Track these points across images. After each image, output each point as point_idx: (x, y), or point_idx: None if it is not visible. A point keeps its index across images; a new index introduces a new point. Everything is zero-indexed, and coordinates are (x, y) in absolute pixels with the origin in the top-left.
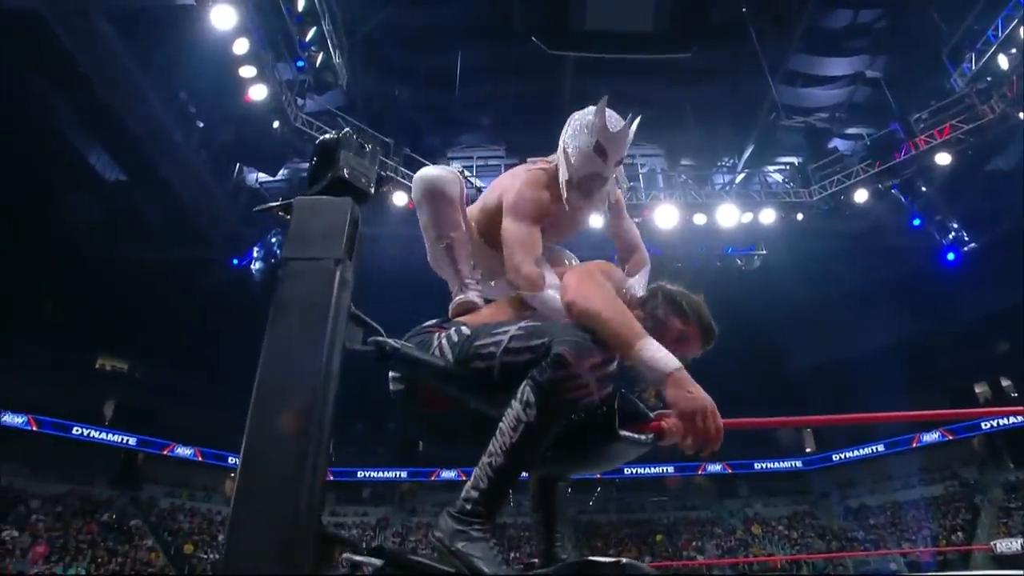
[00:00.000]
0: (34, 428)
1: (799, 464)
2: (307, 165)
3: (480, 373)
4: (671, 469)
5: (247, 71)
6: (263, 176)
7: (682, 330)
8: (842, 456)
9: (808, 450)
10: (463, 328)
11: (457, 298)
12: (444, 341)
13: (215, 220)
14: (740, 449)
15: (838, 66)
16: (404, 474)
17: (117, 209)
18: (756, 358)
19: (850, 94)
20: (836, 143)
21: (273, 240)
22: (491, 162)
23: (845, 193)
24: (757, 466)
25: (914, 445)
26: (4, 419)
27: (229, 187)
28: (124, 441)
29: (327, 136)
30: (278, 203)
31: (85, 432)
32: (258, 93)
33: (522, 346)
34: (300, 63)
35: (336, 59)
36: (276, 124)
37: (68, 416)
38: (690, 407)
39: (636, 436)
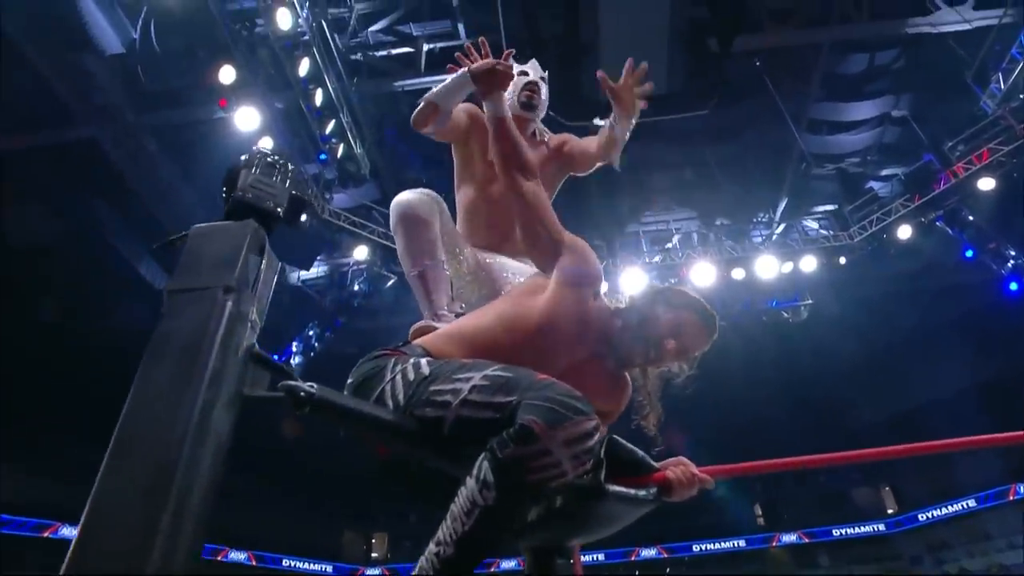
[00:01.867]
0: None
1: (882, 527)
2: (346, 260)
3: (428, 423)
4: (743, 543)
5: None
6: (304, 273)
7: (674, 319)
8: (929, 515)
9: (890, 511)
10: (423, 366)
11: (420, 323)
12: (399, 377)
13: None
14: (815, 515)
15: (862, 109)
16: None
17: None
18: (821, 415)
19: (879, 136)
20: (872, 186)
21: (311, 333)
22: None
23: (887, 231)
24: (835, 532)
25: (1011, 498)
26: (61, 532)
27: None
28: None
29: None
30: (177, 235)
31: None
32: None
33: (484, 400)
34: (322, 156)
35: (357, 149)
36: (304, 218)
37: None
38: None
39: (632, 492)
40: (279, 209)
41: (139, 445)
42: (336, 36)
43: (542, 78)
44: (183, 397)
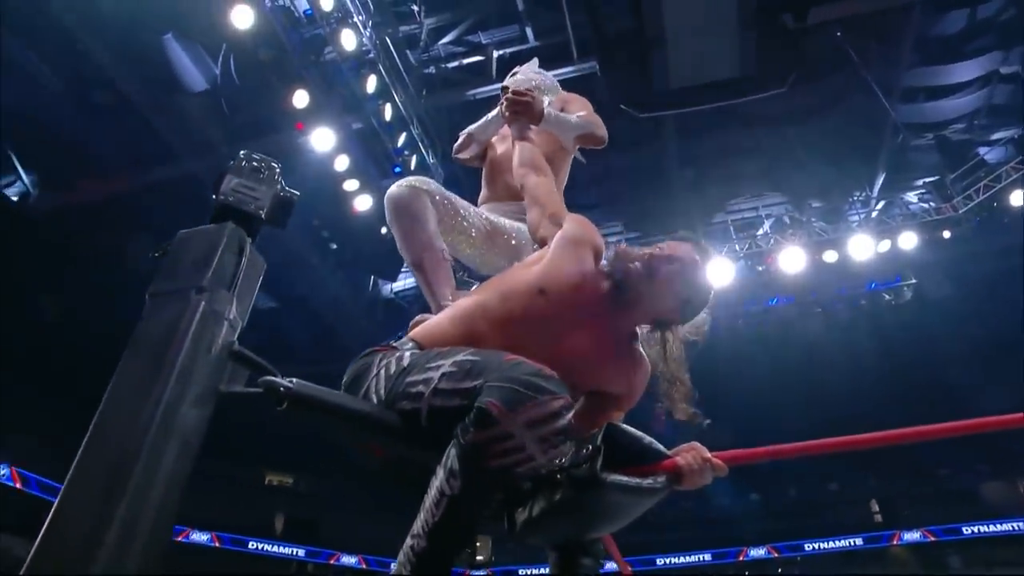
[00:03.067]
0: (217, 544)
1: (1022, 526)
2: None
3: (406, 416)
4: (859, 541)
5: (350, 184)
6: (397, 285)
7: (654, 253)
8: None
9: None
10: (405, 358)
11: (417, 317)
12: (383, 372)
13: (355, 333)
14: (941, 510)
15: (964, 70)
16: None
17: (269, 335)
18: (939, 406)
19: (986, 97)
20: (981, 152)
21: None
22: (611, 239)
23: (997, 199)
24: (966, 530)
25: None
26: (192, 537)
27: (365, 301)
28: (294, 553)
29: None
30: (168, 243)
31: (260, 546)
32: (363, 204)
33: (453, 387)
34: (397, 169)
35: (430, 159)
36: (385, 231)
37: (244, 531)
38: None
39: (635, 481)
40: (261, 212)
41: (106, 441)
42: (408, 52)
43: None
44: (149, 394)
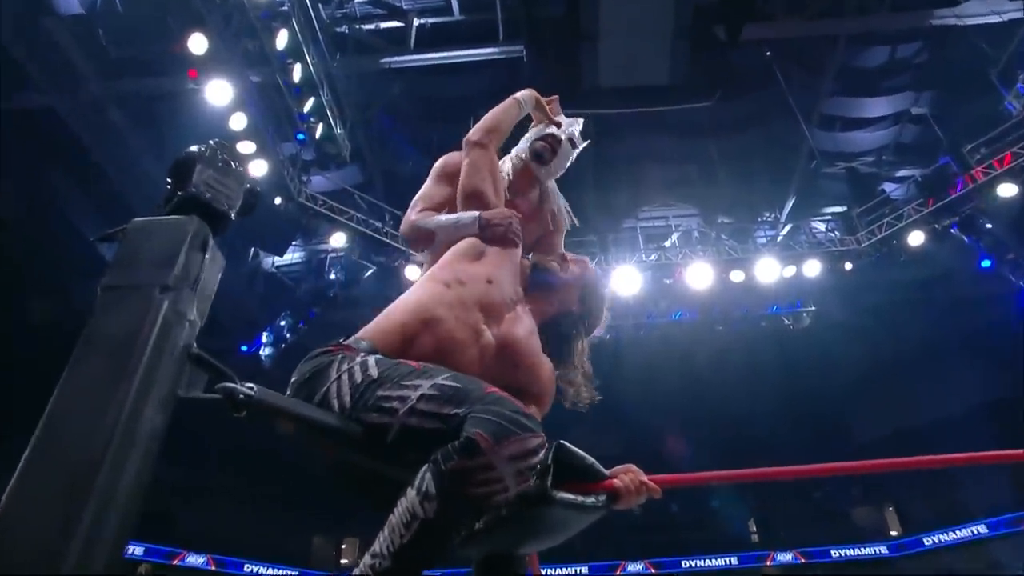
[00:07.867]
0: None
1: (884, 550)
2: (324, 246)
3: (372, 428)
4: (735, 560)
5: (246, 147)
6: (279, 259)
7: (566, 256)
8: (935, 539)
9: (893, 533)
10: (370, 367)
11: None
12: (345, 377)
13: (231, 307)
14: (812, 534)
15: (879, 106)
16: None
17: None
18: (822, 428)
19: (896, 134)
20: (885, 188)
21: (282, 323)
22: None
23: (897, 237)
24: (834, 553)
25: None
26: None
27: (245, 273)
28: (131, 552)
29: (187, 151)
30: (117, 229)
31: None
32: (258, 169)
33: (432, 410)
34: (300, 136)
35: (338, 130)
36: (278, 200)
37: None
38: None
39: (579, 499)
40: (232, 210)
41: (62, 444)
42: (320, 6)
43: (571, 139)
44: (111, 397)
